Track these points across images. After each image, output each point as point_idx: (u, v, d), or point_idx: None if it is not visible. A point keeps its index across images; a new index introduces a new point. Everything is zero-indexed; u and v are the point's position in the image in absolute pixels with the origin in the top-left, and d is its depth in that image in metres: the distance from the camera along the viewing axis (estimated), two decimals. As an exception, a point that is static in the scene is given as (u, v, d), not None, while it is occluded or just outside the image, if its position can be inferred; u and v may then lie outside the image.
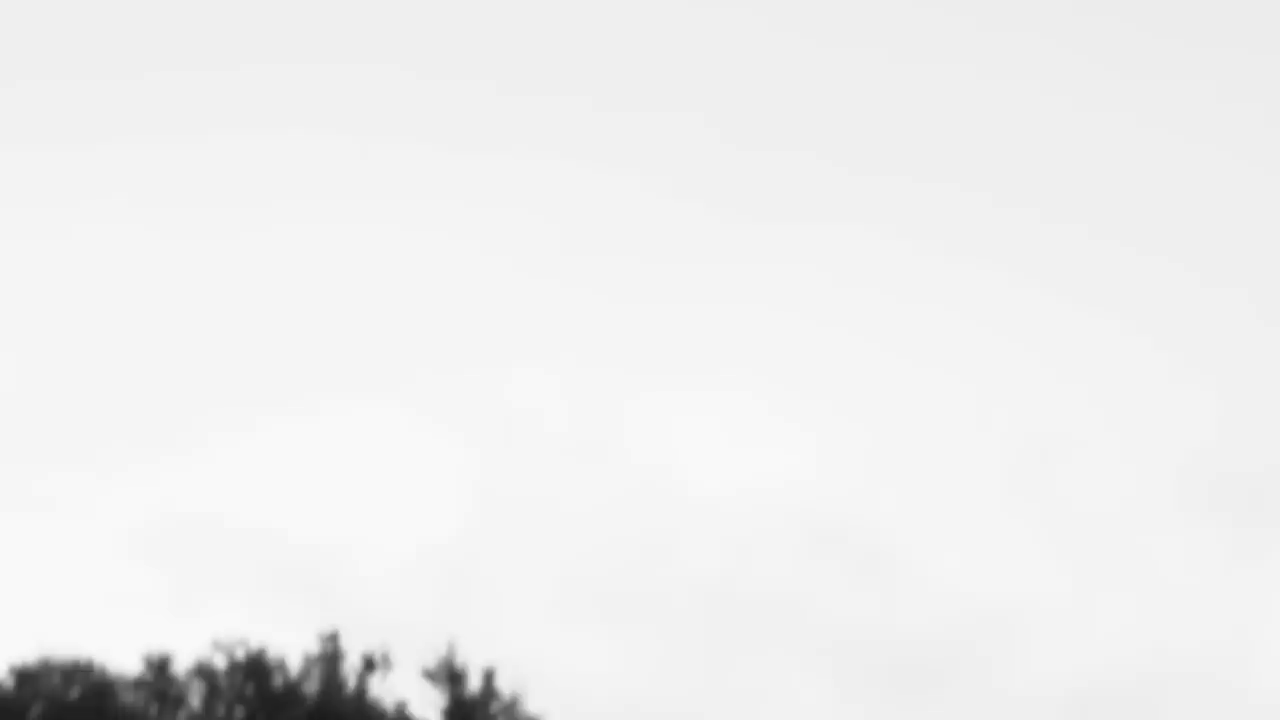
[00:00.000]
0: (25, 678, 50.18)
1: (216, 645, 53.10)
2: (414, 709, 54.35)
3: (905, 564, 73.64)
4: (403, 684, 54.61)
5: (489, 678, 54.82)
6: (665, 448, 71.86)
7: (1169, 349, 68.88)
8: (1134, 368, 65.91)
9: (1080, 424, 70.53)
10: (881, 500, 74.52)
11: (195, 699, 52.71)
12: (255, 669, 52.80)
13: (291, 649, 53.87)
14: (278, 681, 52.97)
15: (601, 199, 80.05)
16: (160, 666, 52.58)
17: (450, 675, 54.54)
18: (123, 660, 52.26)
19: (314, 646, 53.96)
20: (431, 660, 54.84)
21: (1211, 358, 64.31)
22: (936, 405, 70.84)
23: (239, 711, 52.73)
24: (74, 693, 50.48)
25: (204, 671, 52.80)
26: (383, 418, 68.74)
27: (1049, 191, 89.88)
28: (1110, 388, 67.95)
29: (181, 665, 52.91)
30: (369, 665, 54.05)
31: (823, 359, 67.47)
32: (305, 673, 53.40)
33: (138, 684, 52.09)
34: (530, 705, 55.26)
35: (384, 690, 54.25)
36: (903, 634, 73.00)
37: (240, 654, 53.03)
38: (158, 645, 52.95)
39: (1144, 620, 75.27)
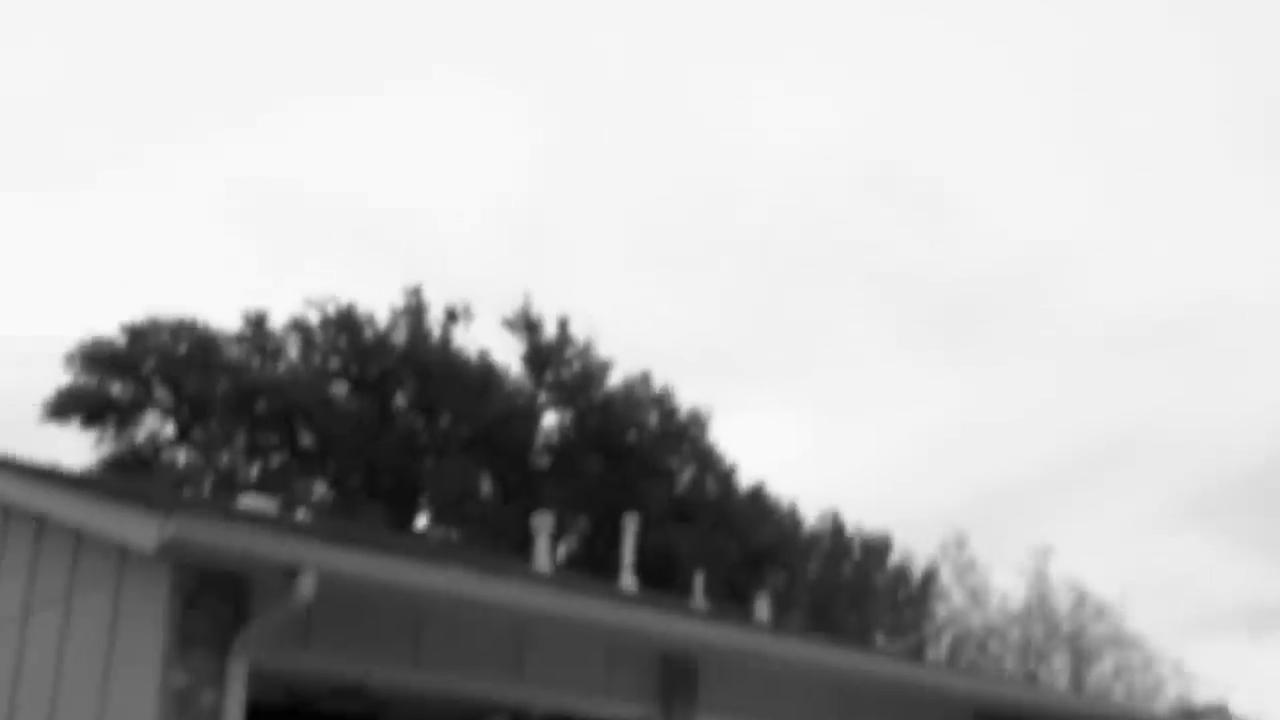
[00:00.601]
0: (136, 335, 51.43)
1: (309, 302, 54.53)
2: (495, 356, 56.15)
3: (959, 204, 74.72)
4: (483, 334, 56.37)
5: (563, 325, 56.87)
6: (725, 97, 72.73)
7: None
8: (1188, 8, 65.36)
9: (1131, 62, 70.49)
10: (935, 142, 75.38)
11: (292, 351, 54.50)
12: (346, 323, 54.38)
13: (378, 305, 55.44)
14: (367, 334, 54.61)
15: None
16: (258, 323, 54.03)
17: (527, 324, 56.53)
18: (223, 318, 53.66)
19: (399, 301, 55.57)
20: (510, 310, 56.81)
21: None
22: (986, 47, 70.84)
23: (333, 362, 54.59)
24: (181, 348, 51.78)
25: (299, 326, 54.43)
26: (451, 81, 69.90)
27: None
28: (1164, 29, 67.57)
29: (277, 321, 54.43)
30: (451, 317, 55.60)
31: (877, 6, 67.35)
32: (392, 325, 54.96)
33: (239, 339, 53.55)
34: (602, 349, 57.41)
35: (466, 340, 55.98)
36: (957, 272, 74.82)
37: (331, 309, 54.53)
38: (254, 304, 54.34)
39: (1194, 255, 77.09)
